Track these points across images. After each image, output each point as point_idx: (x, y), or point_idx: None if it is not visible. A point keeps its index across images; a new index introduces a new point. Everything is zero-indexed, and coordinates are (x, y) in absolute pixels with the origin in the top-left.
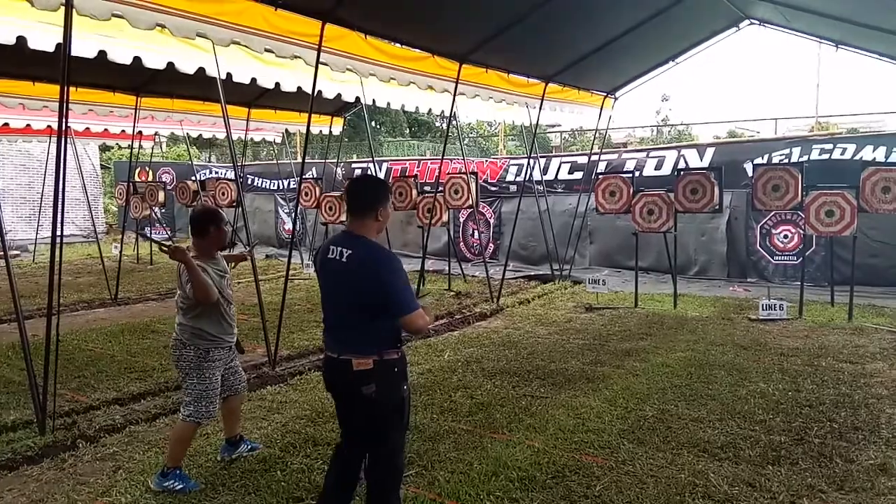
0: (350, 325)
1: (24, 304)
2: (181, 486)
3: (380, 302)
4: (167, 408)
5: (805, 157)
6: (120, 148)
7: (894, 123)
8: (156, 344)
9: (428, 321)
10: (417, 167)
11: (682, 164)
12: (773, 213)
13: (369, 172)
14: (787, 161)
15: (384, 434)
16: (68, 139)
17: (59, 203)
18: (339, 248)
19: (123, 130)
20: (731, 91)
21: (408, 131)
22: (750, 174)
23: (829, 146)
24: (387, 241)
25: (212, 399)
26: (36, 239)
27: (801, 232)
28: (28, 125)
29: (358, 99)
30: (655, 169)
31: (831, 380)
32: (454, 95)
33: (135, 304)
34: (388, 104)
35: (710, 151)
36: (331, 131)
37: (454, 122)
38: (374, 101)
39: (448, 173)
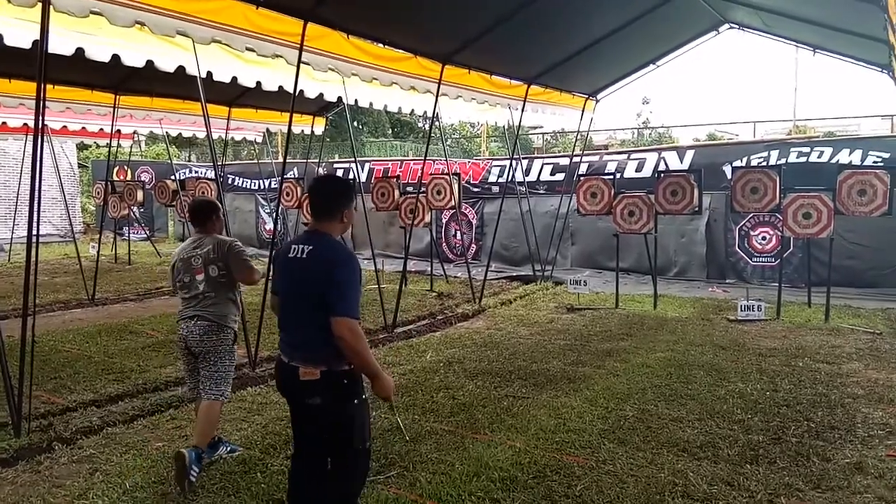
0: (303, 327)
1: None
2: (229, 448)
3: (327, 300)
4: (145, 409)
5: (783, 160)
6: (98, 146)
7: (870, 127)
8: (134, 345)
9: (360, 347)
10: (400, 168)
11: (662, 167)
12: (751, 215)
13: (332, 172)
14: (765, 164)
15: (329, 452)
16: (45, 137)
17: (36, 202)
18: (301, 246)
19: (102, 129)
20: (710, 94)
21: (390, 132)
22: (729, 176)
23: (807, 149)
24: (369, 242)
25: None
26: (11, 238)
27: (779, 234)
28: (4, 123)
29: (340, 99)
30: (636, 171)
31: (808, 380)
32: (437, 96)
33: (112, 304)
34: (371, 104)
35: (689, 154)
36: (313, 131)
37: (437, 123)
38: (356, 101)
39: (431, 174)
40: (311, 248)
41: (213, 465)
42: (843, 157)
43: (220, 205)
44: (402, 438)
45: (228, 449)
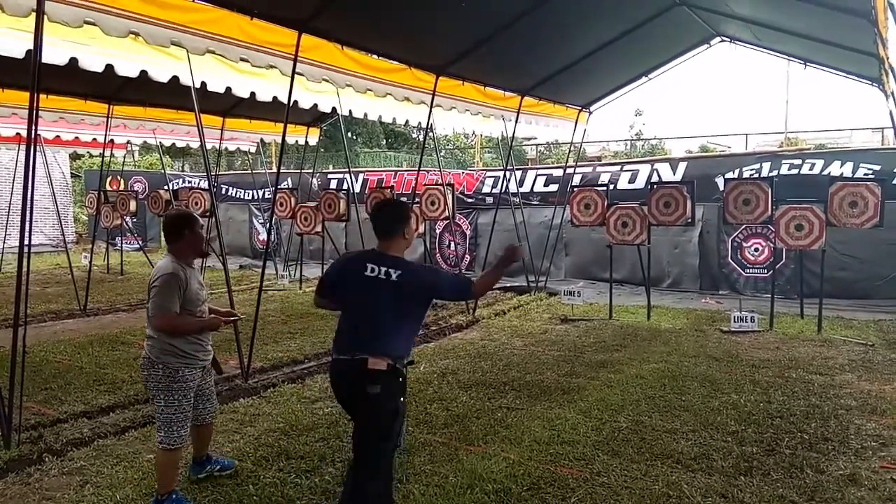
0: (384, 332)
1: None
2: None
3: (427, 304)
4: (136, 421)
5: (775, 172)
6: (91, 156)
7: (861, 140)
8: (125, 356)
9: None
10: (394, 178)
11: (655, 178)
12: (743, 227)
13: (392, 197)
14: (757, 176)
15: (380, 436)
16: (38, 147)
17: (28, 212)
18: (385, 269)
19: (95, 139)
20: (703, 107)
21: (384, 142)
22: (721, 188)
23: (798, 161)
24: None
25: (183, 423)
26: (3, 248)
27: (772, 245)
28: None
29: (334, 109)
30: (629, 182)
31: (801, 391)
32: (431, 107)
33: (104, 315)
34: (365, 115)
35: (682, 165)
36: (307, 141)
37: (431, 134)
38: (350, 111)
39: (424, 185)
40: (399, 272)
41: (206, 477)
42: (835, 169)
43: (195, 217)
44: (395, 449)
45: (219, 465)
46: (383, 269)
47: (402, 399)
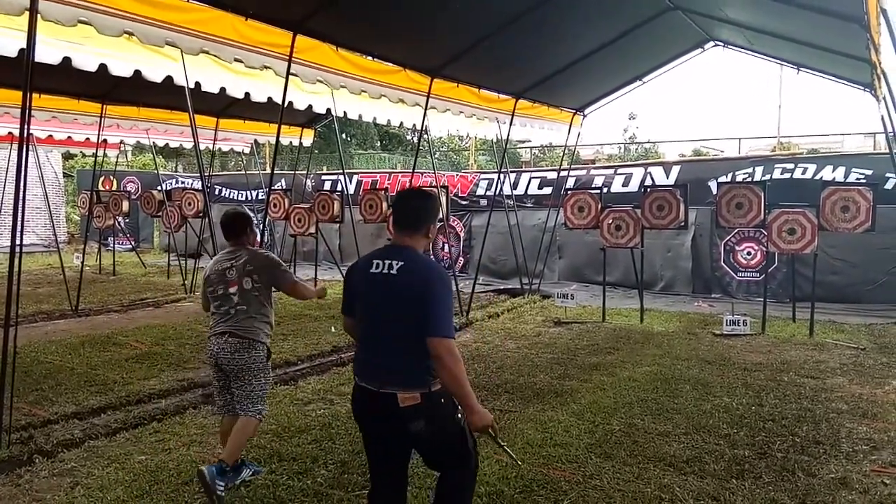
0: (395, 348)
1: None
2: (251, 472)
3: (423, 319)
4: (128, 422)
5: (767, 176)
6: (84, 156)
7: (853, 145)
8: (117, 356)
9: (458, 370)
10: (388, 180)
11: (648, 182)
12: (736, 231)
13: (420, 186)
14: (750, 180)
15: (454, 467)
16: (30, 146)
17: (20, 212)
18: (387, 261)
19: (88, 138)
20: (696, 110)
21: (379, 144)
22: (714, 192)
23: (791, 166)
24: (357, 255)
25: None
26: None
27: (764, 249)
28: None
29: (329, 110)
30: (623, 185)
31: (793, 394)
32: (425, 109)
33: (96, 315)
34: (360, 116)
35: (675, 169)
36: (301, 143)
37: (425, 136)
38: (345, 113)
39: (419, 186)
40: (400, 263)
41: (194, 482)
42: (827, 173)
43: (252, 216)
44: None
45: (252, 471)
46: (386, 262)
47: (458, 416)
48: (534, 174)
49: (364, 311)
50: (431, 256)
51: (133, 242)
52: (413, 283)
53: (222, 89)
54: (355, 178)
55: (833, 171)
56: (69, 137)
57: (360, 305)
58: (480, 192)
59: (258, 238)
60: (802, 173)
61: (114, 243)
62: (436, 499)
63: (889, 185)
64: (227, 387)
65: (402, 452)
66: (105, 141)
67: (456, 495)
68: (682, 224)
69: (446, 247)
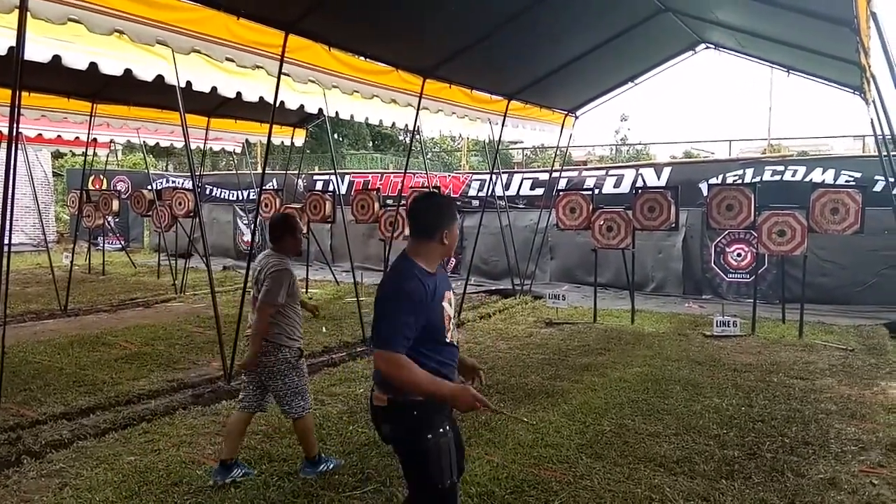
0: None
1: None
2: (333, 464)
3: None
4: (117, 423)
5: (758, 178)
6: (74, 155)
7: (843, 147)
8: (106, 356)
9: (403, 377)
10: (380, 180)
11: (640, 183)
12: (727, 232)
13: (433, 190)
14: (740, 182)
15: (410, 484)
16: (19, 145)
17: (8, 211)
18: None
19: (77, 137)
20: (687, 112)
21: (371, 144)
22: (705, 194)
23: (781, 168)
24: (348, 255)
25: (308, 391)
26: None
27: (754, 251)
28: None
29: (321, 110)
30: (614, 187)
31: (783, 395)
32: (417, 109)
33: (85, 315)
34: (352, 116)
35: (667, 171)
36: (292, 142)
37: (417, 137)
38: (337, 113)
39: (411, 187)
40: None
41: (184, 480)
42: (817, 175)
43: (297, 223)
44: (378, 452)
45: (242, 472)
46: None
47: (428, 436)
48: (526, 175)
49: None
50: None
51: (123, 242)
52: (377, 294)
53: (213, 89)
54: (347, 178)
55: (823, 173)
56: (59, 136)
57: None
58: (472, 192)
59: (300, 244)
60: (792, 175)
61: (103, 243)
62: None
63: (878, 188)
64: (253, 383)
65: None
66: (95, 140)
67: None
68: (673, 225)
69: None
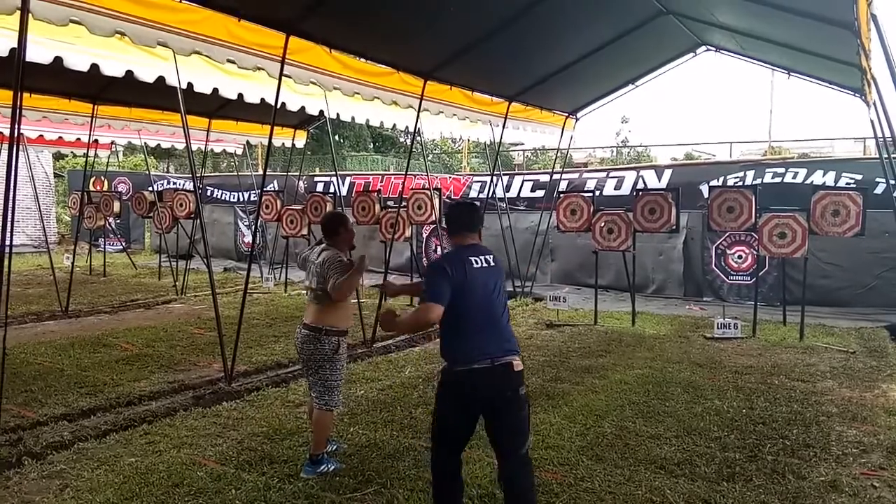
0: (504, 324)
1: None
2: (334, 466)
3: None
4: (118, 424)
5: (759, 181)
6: (75, 156)
7: (843, 149)
8: (107, 358)
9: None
10: (381, 182)
11: (640, 185)
12: (727, 234)
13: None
14: (741, 184)
15: (528, 431)
16: (20, 146)
17: (10, 212)
18: (483, 257)
19: (79, 138)
20: (688, 115)
21: (372, 146)
22: (706, 196)
23: (782, 170)
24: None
25: (340, 388)
26: None
27: (755, 253)
28: None
29: (322, 112)
30: (615, 189)
31: (784, 398)
32: (418, 111)
33: (86, 316)
34: (353, 118)
35: (667, 173)
36: (294, 144)
37: (418, 138)
38: (338, 114)
39: (411, 189)
40: (491, 257)
41: (185, 481)
42: (817, 178)
43: (347, 218)
44: (380, 454)
45: (334, 466)
46: (483, 258)
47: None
48: (526, 177)
49: (474, 297)
50: (425, 259)
51: (124, 243)
52: (501, 269)
53: (215, 90)
54: (348, 179)
55: (823, 175)
56: (60, 137)
57: (474, 294)
58: (473, 194)
59: (353, 236)
60: (793, 177)
61: (104, 244)
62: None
63: (878, 190)
64: (306, 373)
65: (509, 420)
66: (96, 141)
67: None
68: (674, 227)
69: (439, 249)
